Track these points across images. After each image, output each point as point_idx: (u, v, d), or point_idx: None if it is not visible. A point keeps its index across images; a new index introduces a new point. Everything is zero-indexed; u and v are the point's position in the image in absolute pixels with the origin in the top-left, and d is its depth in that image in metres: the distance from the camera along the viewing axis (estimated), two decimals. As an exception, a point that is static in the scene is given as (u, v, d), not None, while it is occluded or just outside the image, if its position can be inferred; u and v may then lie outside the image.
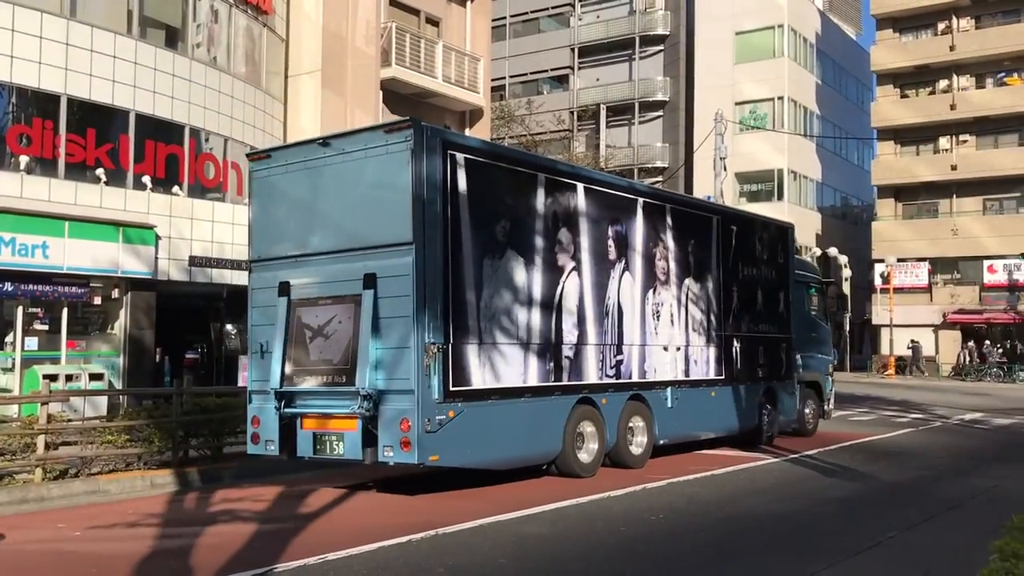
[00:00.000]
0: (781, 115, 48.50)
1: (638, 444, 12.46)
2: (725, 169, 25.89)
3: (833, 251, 45.03)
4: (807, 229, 47.38)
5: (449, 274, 9.70)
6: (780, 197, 48.23)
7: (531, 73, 57.13)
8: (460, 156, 9.95)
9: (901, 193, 49.50)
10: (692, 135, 48.75)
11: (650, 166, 52.18)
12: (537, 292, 10.91)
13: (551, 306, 11.11)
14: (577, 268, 11.58)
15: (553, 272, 11.18)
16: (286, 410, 10.19)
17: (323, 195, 10.32)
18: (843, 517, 9.29)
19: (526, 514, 9.02)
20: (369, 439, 9.59)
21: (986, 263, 45.04)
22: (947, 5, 47.29)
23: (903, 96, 49.64)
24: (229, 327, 20.96)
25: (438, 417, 9.45)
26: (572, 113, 54.36)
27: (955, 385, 38.22)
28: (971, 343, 44.94)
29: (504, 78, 56.49)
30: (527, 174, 11.00)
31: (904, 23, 49.58)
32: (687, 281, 13.75)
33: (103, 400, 15.21)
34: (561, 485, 10.88)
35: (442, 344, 9.51)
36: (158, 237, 17.65)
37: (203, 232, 18.62)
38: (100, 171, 17.09)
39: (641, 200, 12.96)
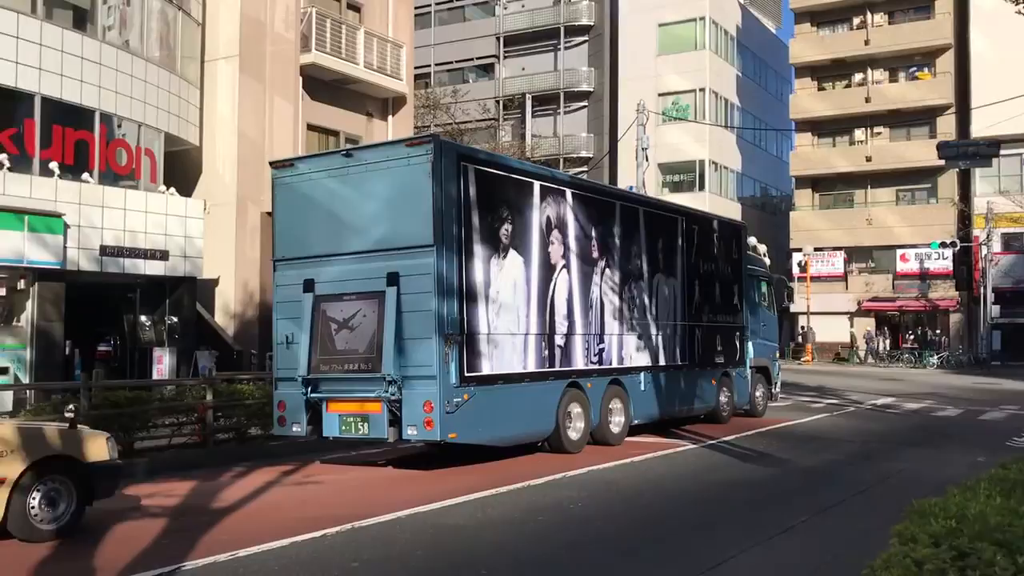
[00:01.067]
0: (703, 107, 49.19)
1: (617, 423, 13.82)
2: (647, 160, 26.11)
3: (752, 241, 45.75)
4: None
5: (463, 273, 10.95)
6: (701, 187, 48.94)
7: (456, 61, 56.86)
8: (471, 167, 11.23)
9: (818, 184, 50.71)
10: (616, 125, 49.11)
11: (575, 156, 52.45)
12: (534, 288, 12.19)
13: (545, 300, 12.40)
14: (567, 266, 12.89)
15: (547, 270, 12.46)
16: (312, 395, 11.30)
17: (346, 201, 11.41)
18: (757, 502, 9.47)
19: (446, 505, 8.97)
20: (392, 420, 10.76)
21: (899, 252, 46.44)
22: (862, 0, 48.51)
23: (820, 89, 50.79)
24: (143, 319, 20.39)
25: (455, 399, 10.66)
26: (498, 102, 54.31)
27: (869, 371, 39.39)
28: (868, 330, 46.48)
29: (429, 66, 56.10)
30: (525, 182, 12.31)
31: (822, 17, 50.69)
32: (657, 276, 15.22)
33: (8, 395, 14.65)
34: (500, 469, 10.87)
35: (458, 335, 10.75)
36: (67, 226, 17.03)
37: (115, 221, 18.04)
38: (3, 157, 16.40)
39: (619, 204, 14.47)
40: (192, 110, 21.22)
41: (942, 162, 34.89)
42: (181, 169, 21.13)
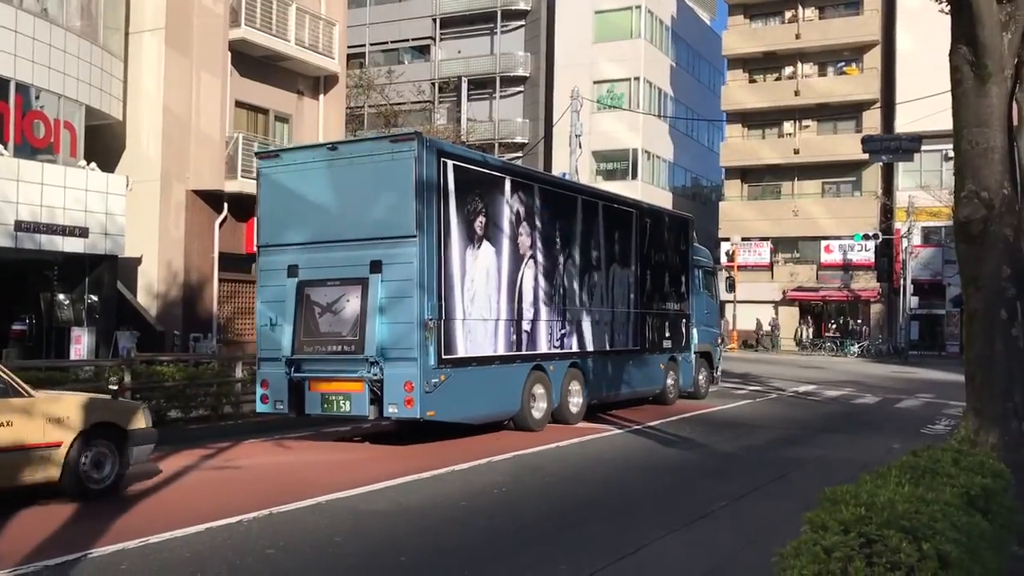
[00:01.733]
0: (637, 95, 49.51)
1: (575, 404, 14.71)
2: (580, 147, 26.18)
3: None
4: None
5: (442, 262, 11.61)
6: (634, 176, 49.33)
7: (392, 42, 56.24)
8: (450, 163, 11.87)
9: (747, 175, 51.52)
10: (552, 112, 49.14)
11: (510, 141, 52.38)
12: (504, 277, 12.95)
13: (514, 288, 13.18)
14: (533, 256, 13.67)
15: (516, 260, 13.23)
16: (295, 375, 11.83)
17: (331, 192, 11.95)
18: (679, 488, 9.57)
19: (370, 490, 8.87)
20: (373, 399, 11.38)
21: (823, 243, 47.49)
22: (794, -6, 49.37)
23: (752, 81, 51.53)
24: (61, 297, 19.76)
25: (433, 380, 11.33)
26: (433, 85, 53.90)
27: (792, 358, 40.25)
28: (772, 317, 47.64)
29: (364, 46, 55.38)
30: (498, 177, 13.04)
31: (754, 10, 51.39)
32: (613, 266, 16.10)
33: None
34: (434, 453, 10.79)
35: (437, 320, 11.42)
36: (-21, 199, 16.38)
37: (31, 196, 17.40)
38: (-89, 126, 15.69)
39: (580, 198, 15.27)
40: (115, 83, 20.55)
41: (867, 156, 35.82)
42: (103, 144, 20.47)
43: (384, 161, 11.58)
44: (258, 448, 11.94)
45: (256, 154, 13.29)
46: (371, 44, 55.77)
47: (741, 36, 50.90)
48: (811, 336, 47.40)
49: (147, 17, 21.03)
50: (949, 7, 7.67)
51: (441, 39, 55.33)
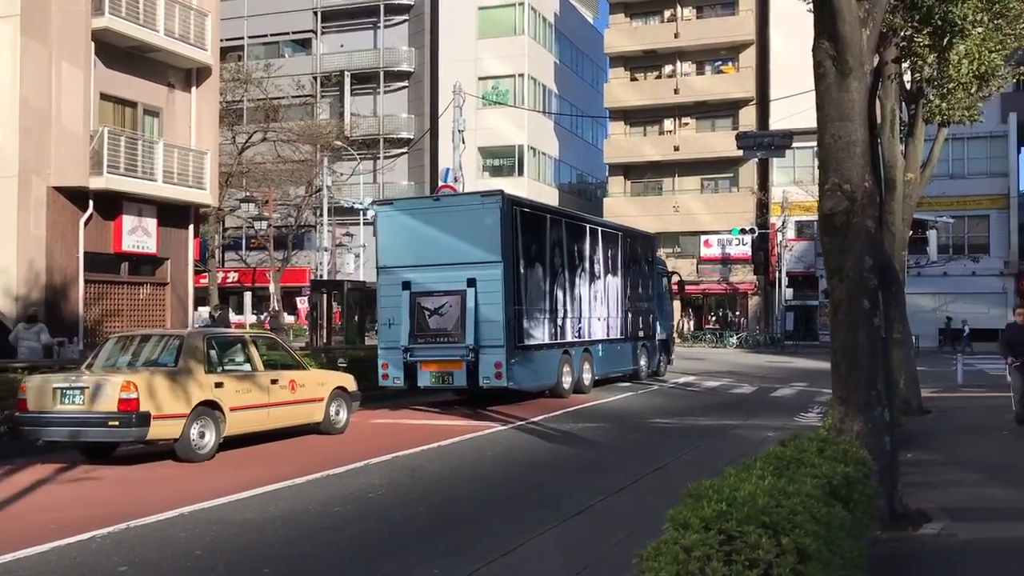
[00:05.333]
0: (521, 92, 49.73)
1: (587, 379, 19.33)
2: (464, 142, 25.99)
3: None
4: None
5: (516, 278, 16.25)
6: (521, 173, 49.54)
7: (272, 35, 54.89)
8: (517, 209, 16.57)
9: (630, 171, 52.39)
10: (437, 107, 48.83)
11: (395, 136, 51.89)
12: (547, 287, 17.63)
13: (552, 295, 17.85)
14: (562, 271, 18.31)
15: (552, 274, 17.84)
16: (410, 359, 16.38)
17: (434, 229, 16.42)
18: (558, 483, 9.51)
19: (237, 499, 8.48)
20: (470, 374, 15.97)
21: (703, 238, 48.73)
22: (673, -6, 50.40)
23: (633, 79, 52.41)
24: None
25: (511, 361, 15.96)
26: (315, 79, 52.82)
27: (674, 350, 40.98)
28: None
29: (242, 38, 53.86)
30: (541, 216, 17.88)
31: (635, 8, 52.27)
32: (608, 275, 20.74)
33: None
34: (300, 457, 10.41)
35: (513, 318, 16.05)
36: None
37: None
38: None
39: (588, 226, 20.18)
40: (-35, 72, 19.26)
41: (744, 156, 36.83)
42: (-48, 137, 19.17)
43: (475, 209, 16.40)
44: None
45: (374, 202, 19.14)
46: (250, 37, 54.29)
47: (622, 34, 51.69)
48: (692, 328, 48.56)
49: (0, 3, 19.79)
50: (813, 4, 7.83)
51: (323, 32, 54.32)
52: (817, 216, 8.03)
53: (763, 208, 47.48)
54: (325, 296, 24.87)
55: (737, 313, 49.21)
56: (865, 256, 7.53)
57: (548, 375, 17.62)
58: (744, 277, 48.39)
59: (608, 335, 20.61)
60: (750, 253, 47.65)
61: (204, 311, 24.65)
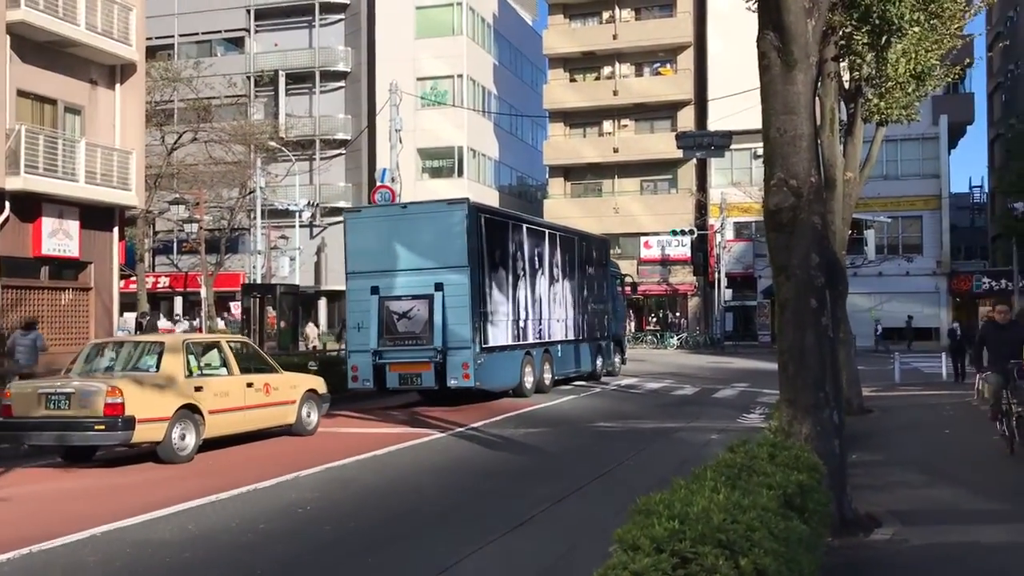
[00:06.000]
0: (460, 93, 49.25)
1: (548, 378, 20.09)
2: (401, 142, 25.47)
3: (509, 227, 46.47)
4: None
5: (480, 282, 16.96)
6: (460, 174, 49.06)
7: (204, 33, 53.54)
8: (482, 215, 17.39)
9: (570, 173, 52.27)
10: (375, 108, 48.05)
11: (331, 138, 50.99)
12: (509, 291, 18.29)
13: (515, 298, 18.55)
14: (523, 274, 19.04)
15: (515, 278, 18.58)
16: (379, 361, 16.97)
17: (402, 235, 17.18)
18: (499, 494, 9.13)
19: (155, 516, 7.94)
20: (438, 375, 16.56)
21: (643, 239, 48.79)
22: (611, -5, 50.40)
23: (572, 80, 52.29)
24: None
25: (478, 361, 16.64)
26: (249, 78, 51.67)
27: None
28: None
29: (173, 36, 52.48)
30: (504, 222, 18.71)
31: (574, 10, 52.15)
32: (565, 278, 21.56)
33: None
34: (240, 467, 9.85)
35: (479, 322, 16.82)
36: None
37: None
38: None
39: (547, 231, 21.03)
40: None
41: (682, 154, 36.91)
42: None
43: (442, 216, 17.02)
44: (34, 475, 10.66)
45: (343, 210, 19.77)
46: (181, 35, 52.92)
47: (561, 36, 51.56)
48: (632, 329, 48.56)
49: (-92, -7, 18.76)
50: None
51: (256, 31, 53.18)
52: (762, 213, 7.77)
53: (702, 209, 47.73)
54: (257, 301, 24.13)
55: (677, 314, 49.39)
56: (812, 253, 7.29)
57: (512, 375, 18.38)
58: (684, 278, 48.60)
59: (567, 336, 21.42)
60: (689, 254, 47.86)
61: (130, 317, 23.69)
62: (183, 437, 11.10)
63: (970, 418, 14.62)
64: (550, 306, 20.42)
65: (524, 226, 19.52)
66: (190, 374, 11.58)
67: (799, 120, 7.26)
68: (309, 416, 13.49)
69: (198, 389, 11.48)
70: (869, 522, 7.33)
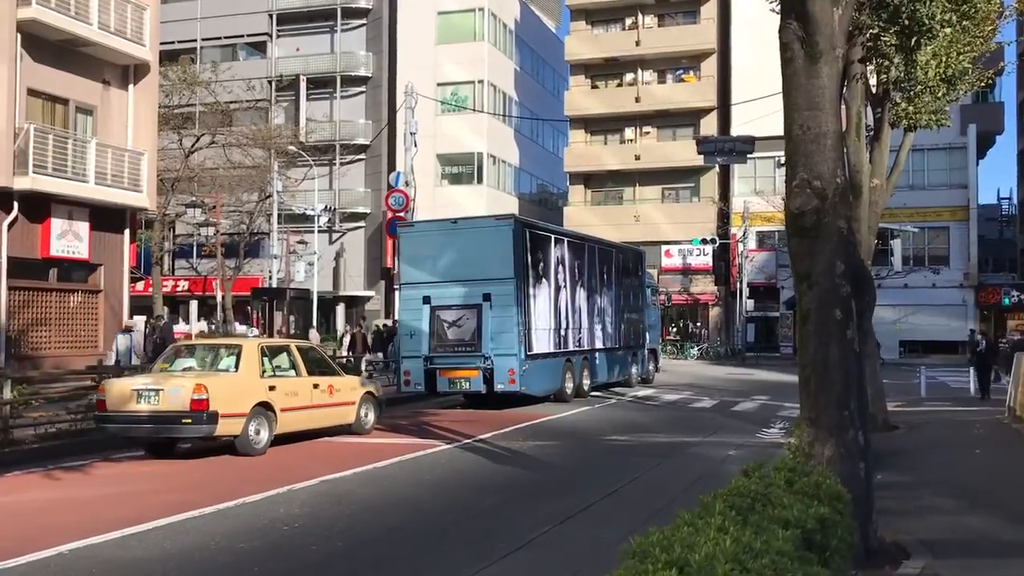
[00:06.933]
0: (481, 99, 48.81)
1: (587, 384, 20.84)
2: (416, 145, 25.02)
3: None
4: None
5: (526, 293, 17.94)
6: (480, 180, 48.64)
7: (226, 37, 53.51)
8: (527, 230, 18.37)
9: (590, 180, 51.72)
10: (395, 113, 47.72)
11: (352, 143, 50.71)
12: (552, 301, 19.29)
13: (557, 308, 19.54)
14: (565, 285, 20.02)
15: (556, 289, 19.54)
16: (430, 367, 18.02)
17: (452, 249, 18.14)
18: (501, 512, 8.62)
19: (130, 533, 7.48)
20: (486, 380, 17.59)
21: (663, 248, 48.10)
22: (634, 2, 49.81)
23: (594, 87, 51.77)
24: None
25: (524, 368, 17.60)
26: (270, 83, 51.53)
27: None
28: None
29: (196, 40, 52.50)
30: (547, 236, 19.60)
31: (596, 16, 51.66)
32: (604, 289, 22.61)
33: None
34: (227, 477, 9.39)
35: (524, 330, 17.76)
36: None
37: None
38: None
39: (587, 244, 22.05)
40: None
41: (703, 160, 36.29)
42: None
43: (490, 230, 18.04)
44: (20, 482, 10.25)
45: (398, 225, 20.26)
46: (203, 39, 52.92)
47: (583, 42, 51.08)
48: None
49: (-81, -9, 18.56)
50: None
51: (278, 36, 53.07)
52: (784, 217, 7.22)
53: (724, 218, 47.03)
54: (267, 305, 23.78)
55: (698, 324, 48.64)
56: (837, 260, 6.74)
57: (554, 381, 19.22)
58: (705, 288, 47.87)
59: (605, 344, 22.37)
60: (711, 264, 47.16)
61: (138, 320, 23.35)
62: (258, 432, 12.01)
63: (1002, 437, 13.96)
64: (589, 316, 21.35)
65: (565, 240, 20.65)
66: (264, 374, 12.50)
67: (824, 116, 6.72)
68: (367, 416, 14.34)
69: (271, 389, 12.38)
70: (896, 552, 6.76)
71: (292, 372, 13.12)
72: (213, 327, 37.02)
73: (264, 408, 12.15)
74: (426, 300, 18.08)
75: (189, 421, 11.29)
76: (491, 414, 17.50)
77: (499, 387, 17.50)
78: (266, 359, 12.73)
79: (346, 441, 13.60)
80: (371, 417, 14.45)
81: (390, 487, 9.78)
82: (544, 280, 18.93)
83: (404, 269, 18.69)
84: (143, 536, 7.37)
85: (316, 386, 13.25)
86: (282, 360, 13.22)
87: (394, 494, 9.41)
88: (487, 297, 17.54)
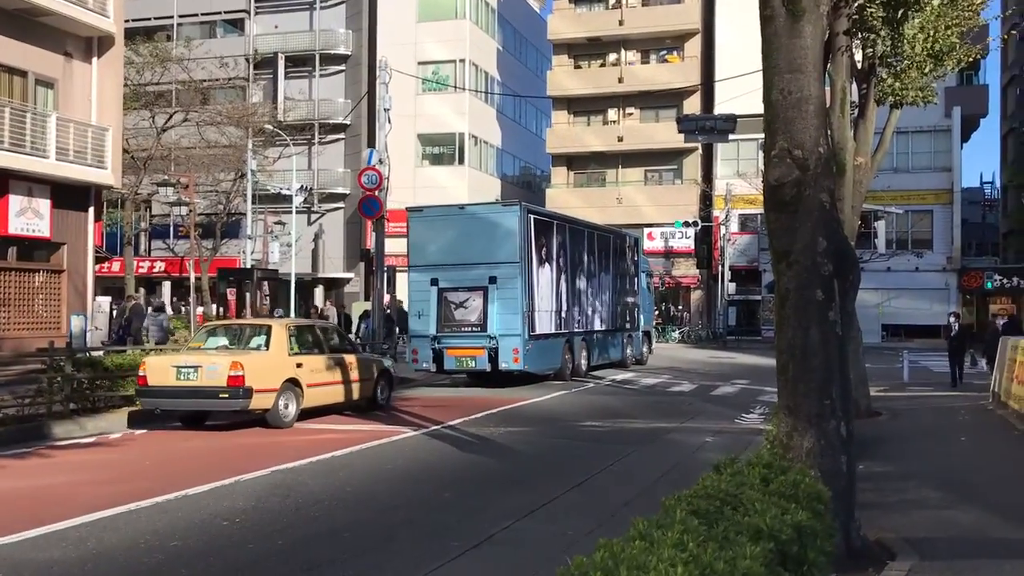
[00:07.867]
0: (463, 78, 48.02)
1: (583, 364, 21.61)
2: (390, 122, 24.33)
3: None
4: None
5: (530, 276, 18.72)
6: (461, 161, 47.95)
7: (203, 14, 52.41)
8: (532, 216, 19.15)
9: (573, 162, 51.07)
10: (375, 92, 46.88)
11: (331, 122, 49.84)
12: (554, 283, 20.00)
13: (559, 291, 20.27)
14: (565, 269, 20.73)
15: (557, 272, 20.23)
16: (437, 346, 18.84)
17: (459, 233, 18.96)
18: (462, 505, 8.09)
19: (54, 530, 6.91)
20: (491, 359, 18.41)
21: (646, 230, 47.50)
22: (618, -20, 49.05)
23: (576, 67, 51.03)
24: None
25: (527, 347, 18.38)
26: (248, 60, 50.53)
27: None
28: None
29: (172, 17, 51.42)
30: (549, 221, 20.35)
31: (580, -6, 50.86)
32: (602, 272, 23.31)
33: None
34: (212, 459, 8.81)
35: (528, 311, 18.52)
36: None
37: None
38: None
39: (586, 230, 22.77)
40: None
41: (688, 144, 35.73)
42: None
43: (496, 215, 19.19)
44: (163, 434, 9.80)
45: (407, 209, 20.29)
46: (180, 15, 51.83)
47: (566, 20, 50.31)
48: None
49: None
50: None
51: (256, 13, 52.02)
52: (762, 190, 6.68)
53: (707, 201, 46.52)
54: (234, 286, 23.17)
55: (680, 307, 48.23)
56: (819, 237, 6.21)
57: (555, 360, 20.02)
58: (687, 271, 47.42)
59: (602, 326, 23.23)
60: (693, 246, 46.68)
61: (103, 301, 22.66)
62: (287, 406, 12.86)
63: (987, 423, 13.55)
64: (588, 298, 22.16)
65: (567, 226, 21.44)
66: (292, 352, 13.40)
67: (806, 79, 6.17)
68: (383, 392, 15.31)
69: (299, 366, 13.26)
70: (880, 552, 6.27)
71: (316, 350, 13.97)
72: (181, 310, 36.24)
73: (292, 384, 13.00)
74: (434, 282, 18.84)
75: (227, 396, 12.16)
76: (471, 398, 16.98)
77: (503, 365, 18.29)
78: (293, 338, 13.65)
79: (317, 427, 13.05)
80: (387, 393, 15.47)
81: (344, 479, 9.20)
82: (547, 264, 19.69)
83: (413, 252, 19.43)
84: (65, 534, 6.78)
85: (338, 364, 14.17)
86: (307, 339, 14.12)
87: (346, 487, 8.82)
88: (493, 279, 18.40)
